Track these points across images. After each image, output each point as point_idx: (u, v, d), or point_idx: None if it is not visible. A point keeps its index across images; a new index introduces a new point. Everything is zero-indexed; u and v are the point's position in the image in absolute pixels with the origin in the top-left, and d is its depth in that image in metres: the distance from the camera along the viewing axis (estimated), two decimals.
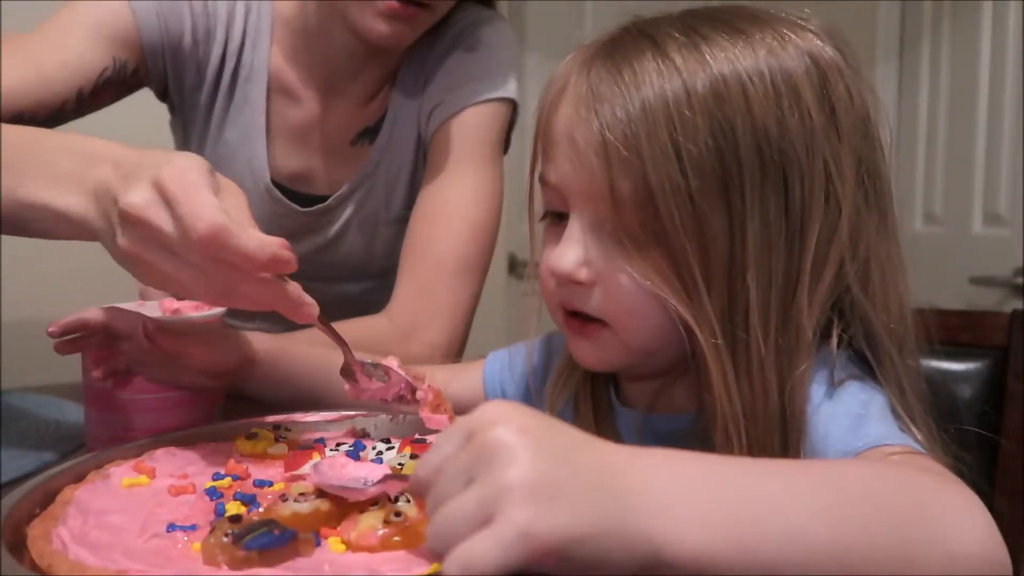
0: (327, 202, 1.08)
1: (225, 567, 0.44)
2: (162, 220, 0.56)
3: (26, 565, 0.46)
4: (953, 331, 0.90)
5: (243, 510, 0.51)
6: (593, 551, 0.35)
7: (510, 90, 1.05)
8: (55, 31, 0.93)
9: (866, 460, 0.54)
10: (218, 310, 0.79)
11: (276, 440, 0.65)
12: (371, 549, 0.46)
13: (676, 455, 0.40)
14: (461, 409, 0.75)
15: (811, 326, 0.58)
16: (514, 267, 2.32)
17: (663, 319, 0.59)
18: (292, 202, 1.07)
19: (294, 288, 0.59)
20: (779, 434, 0.58)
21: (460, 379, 0.83)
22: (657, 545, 0.36)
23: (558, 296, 0.64)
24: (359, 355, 0.67)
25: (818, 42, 0.60)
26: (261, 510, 0.51)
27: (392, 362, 0.67)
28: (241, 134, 1.04)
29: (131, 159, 0.60)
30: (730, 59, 0.57)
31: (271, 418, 0.70)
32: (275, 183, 1.06)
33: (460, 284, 0.99)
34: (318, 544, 0.47)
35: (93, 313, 0.72)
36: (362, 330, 0.92)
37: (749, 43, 0.58)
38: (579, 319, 0.63)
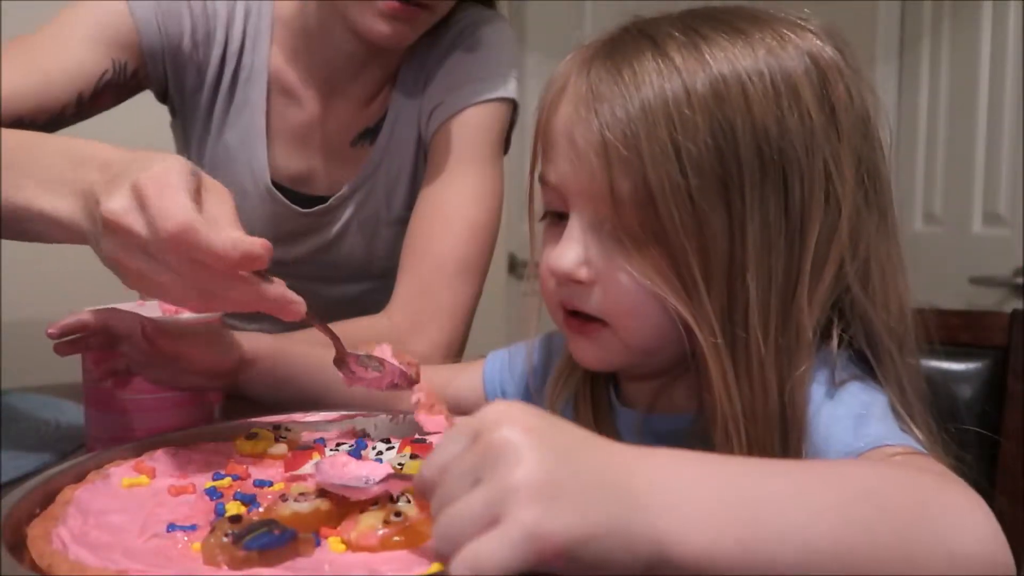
0: (328, 203, 1.08)
1: (225, 567, 0.44)
2: (138, 225, 0.55)
3: (26, 565, 0.46)
4: (953, 331, 0.90)
5: (243, 510, 0.51)
6: (599, 551, 0.35)
7: (510, 90, 1.05)
8: (54, 35, 0.93)
9: (868, 461, 0.54)
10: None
11: (276, 440, 0.65)
12: (371, 549, 0.46)
13: (680, 455, 0.40)
14: (461, 409, 0.75)
15: (811, 325, 0.58)
16: (514, 267, 2.32)
17: (663, 318, 0.59)
18: (293, 203, 1.07)
19: (277, 288, 0.59)
20: (779, 434, 0.58)
21: (460, 379, 0.83)
22: (663, 545, 0.36)
23: (558, 295, 0.64)
24: (353, 349, 0.67)
25: (818, 42, 0.60)
26: (261, 510, 0.51)
27: (385, 351, 0.67)
28: (241, 135, 1.04)
29: (118, 162, 0.60)
30: (730, 59, 0.57)
31: (271, 418, 0.70)
32: (276, 184, 1.06)
33: (460, 284, 0.99)
34: (318, 544, 0.47)
35: (92, 314, 0.72)
36: (362, 330, 0.92)
37: (749, 43, 0.58)
38: (579, 319, 0.63)
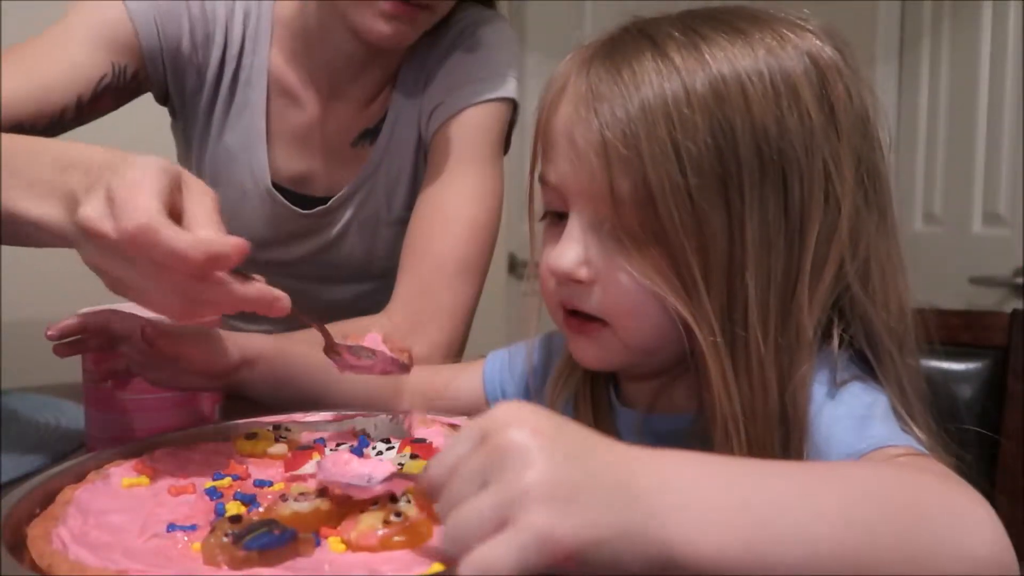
0: (328, 204, 1.08)
1: (225, 567, 0.44)
2: (108, 229, 0.54)
3: (26, 565, 0.46)
4: (953, 331, 0.90)
5: (243, 510, 0.51)
6: (609, 554, 0.35)
7: (510, 90, 1.05)
8: (53, 39, 0.93)
9: (871, 462, 0.54)
10: None
11: (276, 440, 0.65)
12: (371, 549, 0.46)
13: (685, 456, 0.40)
14: (461, 409, 0.76)
15: (811, 325, 0.58)
16: (514, 267, 2.32)
17: (662, 318, 0.59)
18: (293, 204, 1.07)
19: (255, 286, 0.57)
20: (779, 434, 0.58)
21: (460, 379, 0.83)
22: (671, 547, 0.36)
23: (558, 295, 0.64)
24: (343, 341, 0.67)
25: (817, 42, 0.60)
26: (261, 510, 0.51)
27: (375, 340, 0.67)
28: (242, 137, 1.04)
29: (100, 166, 0.58)
30: (729, 59, 0.57)
31: (271, 418, 0.70)
32: (276, 185, 1.06)
33: (460, 284, 0.99)
34: (318, 544, 0.47)
35: (92, 316, 0.72)
36: (362, 330, 0.92)
37: (748, 43, 0.58)
38: (579, 318, 0.63)
